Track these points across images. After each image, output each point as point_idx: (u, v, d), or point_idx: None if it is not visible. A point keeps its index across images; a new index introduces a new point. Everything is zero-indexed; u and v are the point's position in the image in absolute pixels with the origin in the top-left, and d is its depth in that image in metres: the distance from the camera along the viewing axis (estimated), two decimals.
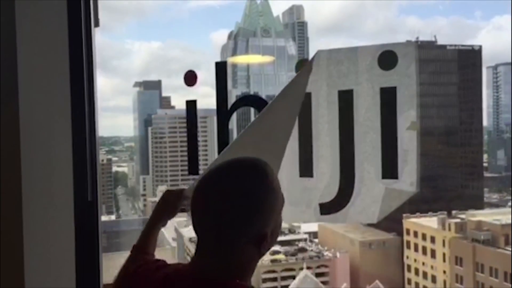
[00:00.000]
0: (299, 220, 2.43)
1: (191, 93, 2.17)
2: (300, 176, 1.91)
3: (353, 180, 1.79)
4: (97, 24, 2.06)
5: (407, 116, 1.72)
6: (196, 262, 1.11)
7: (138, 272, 1.22)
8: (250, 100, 2.10)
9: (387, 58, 1.74)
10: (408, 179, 1.74)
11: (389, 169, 1.76)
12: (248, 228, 1.06)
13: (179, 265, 1.18)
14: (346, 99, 1.81)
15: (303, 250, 38.67)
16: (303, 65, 1.87)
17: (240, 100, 2.10)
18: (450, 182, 46.80)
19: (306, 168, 1.89)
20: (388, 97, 1.74)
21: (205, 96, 2.16)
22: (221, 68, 2.09)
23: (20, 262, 1.74)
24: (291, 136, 1.92)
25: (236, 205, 1.05)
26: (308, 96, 1.87)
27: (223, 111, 2.05)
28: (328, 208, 1.85)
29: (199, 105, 2.14)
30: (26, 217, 1.75)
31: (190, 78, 2.13)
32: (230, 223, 1.05)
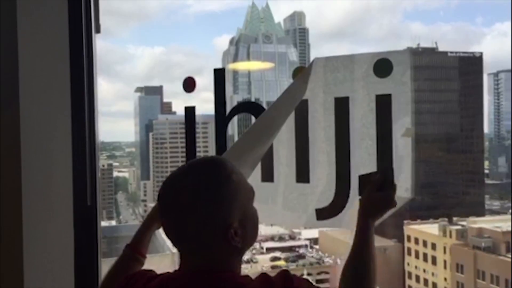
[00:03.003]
0: (296, 225, 2.45)
1: (194, 98, 2.19)
2: (297, 181, 1.93)
3: (349, 186, 1.81)
4: (98, 30, 2.09)
5: (402, 123, 1.74)
6: (182, 264, 1.14)
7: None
8: (248, 107, 2.12)
9: (383, 65, 1.76)
10: (403, 185, 1.76)
11: None
12: (209, 220, 1.07)
13: (170, 272, 1.19)
14: (342, 106, 1.83)
15: (303, 256, 38.57)
16: (299, 72, 1.89)
17: (238, 107, 2.12)
18: (451, 188, 46.71)
19: (302, 174, 1.91)
20: (384, 104, 1.76)
21: (207, 101, 2.18)
22: (219, 75, 2.12)
23: (20, 266, 1.76)
24: (288, 142, 1.95)
25: (192, 199, 1.07)
26: (305, 102, 1.89)
27: (221, 117, 2.08)
28: (324, 214, 1.87)
29: (202, 111, 2.16)
30: (26, 221, 1.76)
31: (189, 84, 2.15)
32: (190, 217, 1.07)
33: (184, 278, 1.11)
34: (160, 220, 1.17)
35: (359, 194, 1.47)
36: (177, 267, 1.18)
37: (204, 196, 1.08)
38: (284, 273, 1.10)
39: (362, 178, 1.49)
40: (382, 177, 1.43)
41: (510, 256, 30.75)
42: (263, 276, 1.10)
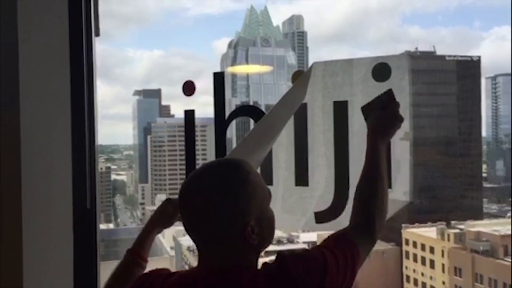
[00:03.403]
0: (294, 228, 2.46)
1: (193, 101, 2.20)
2: (296, 185, 1.94)
3: (348, 189, 1.82)
4: (97, 34, 2.10)
5: (400, 127, 1.75)
6: (200, 262, 1.16)
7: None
8: (247, 110, 2.13)
9: (381, 70, 1.78)
10: (401, 189, 1.77)
11: None
12: (228, 218, 1.10)
13: (186, 270, 1.22)
14: (341, 110, 1.85)
15: None
16: (298, 76, 1.91)
17: (237, 110, 2.13)
18: (449, 192, 46.75)
19: (301, 177, 1.93)
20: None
21: (206, 104, 2.19)
22: (219, 79, 2.12)
23: (19, 268, 1.76)
24: (287, 145, 1.96)
25: (212, 199, 1.11)
26: (304, 106, 1.91)
27: (220, 120, 2.09)
28: (323, 217, 1.88)
29: (201, 114, 2.17)
30: (26, 224, 1.77)
31: (188, 88, 2.16)
32: (210, 216, 1.10)
33: (201, 275, 1.13)
34: (181, 220, 1.20)
35: (366, 121, 1.48)
36: (175, 270, 1.21)
37: (223, 196, 1.11)
38: (278, 255, 1.12)
39: (365, 108, 1.51)
40: (384, 96, 1.47)
41: (510, 259, 30.73)
42: (265, 267, 1.12)
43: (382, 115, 1.44)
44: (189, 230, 1.16)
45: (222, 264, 1.12)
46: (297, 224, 2.01)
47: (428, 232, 37.35)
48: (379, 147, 1.38)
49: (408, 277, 38.84)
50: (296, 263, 1.09)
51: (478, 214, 43.59)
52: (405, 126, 1.76)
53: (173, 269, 1.23)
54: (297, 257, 1.12)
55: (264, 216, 1.16)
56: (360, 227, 1.27)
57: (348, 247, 1.18)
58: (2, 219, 1.76)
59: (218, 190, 1.11)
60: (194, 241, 1.16)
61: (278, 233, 1.81)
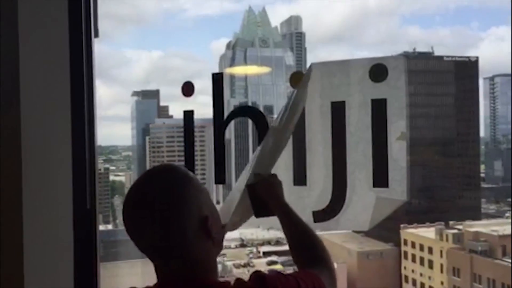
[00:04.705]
0: None
1: (191, 102, 2.21)
2: (294, 184, 1.96)
3: (345, 189, 1.84)
4: (96, 35, 2.11)
5: (397, 127, 1.78)
6: (160, 274, 1.14)
7: None
8: (246, 111, 2.15)
9: (378, 70, 1.80)
10: (398, 188, 1.79)
11: (380, 178, 1.81)
12: (184, 215, 1.11)
13: (150, 286, 1.19)
14: (338, 110, 1.87)
15: None
16: (296, 77, 1.92)
17: (236, 111, 2.14)
18: (447, 192, 46.76)
19: (299, 177, 1.94)
20: (379, 108, 1.80)
21: (205, 105, 2.20)
22: (217, 79, 2.14)
23: (20, 269, 1.77)
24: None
25: (164, 200, 1.11)
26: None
27: (219, 121, 2.10)
28: (321, 216, 1.90)
29: (199, 114, 2.18)
30: (26, 225, 1.78)
31: (187, 89, 2.18)
32: (165, 216, 1.10)
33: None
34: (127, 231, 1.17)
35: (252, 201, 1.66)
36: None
37: (174, 195, 1.12)
38: (255, 275, 1.13)
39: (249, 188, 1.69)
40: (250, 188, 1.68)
41: (508, 260, 30.74)
42: (238, 282, 1.12)
43: (263, 190, 1.62)
44: (138, 240, 1.14)
45: (186, 272, 1.11)
46: None
47: (426, 233, 37.37)
48: (286, 208, 1.53)
49: (406, 277, 38.84)
50: (272, 279, 1.12)
51: (476, 215, 43.59)
52: (402, 126, 1.79)
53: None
54: (274, 275, 1.14)
55: (214, 211, 1.19)
56: (318, 266, 1.33)
57: (314, 278, 1.23)
58: (3, 220, 1.77)
59: (167, 191, 1.12)
60: (147, 251, 1.14)
61: (276, 233, 1.84)
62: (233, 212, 1.70)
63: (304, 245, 1.42)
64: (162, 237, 1.11)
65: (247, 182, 1.69)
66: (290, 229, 1.48)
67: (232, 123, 2.14)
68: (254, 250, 37.48)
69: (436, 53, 50.88)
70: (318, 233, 1.54)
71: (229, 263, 31.57)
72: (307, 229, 1.46)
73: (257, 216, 1.72)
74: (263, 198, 1.63)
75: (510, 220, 38.53)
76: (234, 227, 1.74)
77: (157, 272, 1.15)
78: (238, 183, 1.87)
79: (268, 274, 1.14)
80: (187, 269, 1.12)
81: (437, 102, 48.37)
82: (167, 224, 1.11)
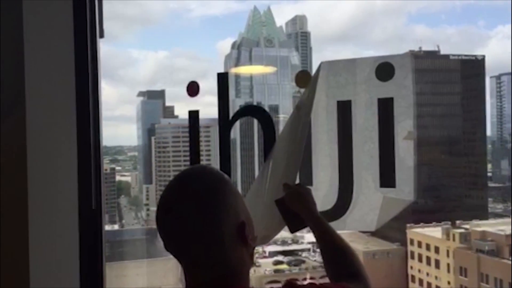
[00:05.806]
0: None
1: (197, 102, 2.21)
2: None
3: (352, 189, 1.82)
4: (102, 35, 2.11)
5: (404, 126, 1.76)
6: (190, 278, 1.11)
7: None
8: (251, 110, 2.14)
9: (385, 69, 1.78)
10: (405, 188, 1.78)
11: (387, 178, 1.79)
12: (221, 219, 1.08)
13: None
14: (344, 109, 1.85)
15: (306, 260, 38.46)
16: (302, 77, 1.91)
17: (241, 111, 2.14)
18: (453, 192, 46.55)
19: (305, 177, 1.93)
20: (386, 108, 1.78)
21: (211, 105, 2.20)
22: (223, 79, 2.13)
23: (26, 269, 1.77)
24: None
25: (200, 204, 1.08)
26: None
27: (224, 121, 2.09)
28: (327, 216, 1.88)
29: (205, 114, 2.18)
30: (32, 225, 1.78)
31: (192, 89, 2.17)
32: (202, 221, 1.07)
33: None
34: (161, 233, 1.13)
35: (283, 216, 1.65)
36: (178, 272, 1.16)
37: (212, 199, 1.09)
38: (288, 284, 1.11)
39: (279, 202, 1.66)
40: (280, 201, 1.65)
41: None
42: None
43: (293, 203, 1.60)
44: (174, 244, 1.11)
45: (218, 278, 1.07)
46: None
47: (433, 232, 37.22)
48: (319, 221, 1.52)
49: (413, 277, 38.71)
50: None
51: (483, 214, 43.37)
52: (409, 126, 1.77)
53: (176, 272, 1.20)
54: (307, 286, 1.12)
55: (248, 217, 1.15)
56: (355, 283, 1.32)
57: None
58: (9, 220, 1.77)
59: (205, 194, 1.09)
60: (181, 255, 1.11)
61: (283, 234, 1.82)
62: (263, 227, 1.68)
63: (340, 260, 1.39)
64: (199, 244, 1.08)
65: (274, 198, 1.65)
66: (326, 244, 1.44)
67: (238, 122, 2.13)
68: (260, 249, 37.48)
69: (443, 52, 50.65)
70: None
71: None
72: (342, 244, 1.42)
73: (292, 231, 1.66)
74: (295, 211, 1.59)
75: None
76: (263, 242, 1.72)
77: (187, 278, 1.12)
78: (251, 193, 1.85)
79: (301, 284, 1.12)
80: (220, 277, 1.08)
81: (444, 101, 48.16)
82: (204, 231, 1.07)
